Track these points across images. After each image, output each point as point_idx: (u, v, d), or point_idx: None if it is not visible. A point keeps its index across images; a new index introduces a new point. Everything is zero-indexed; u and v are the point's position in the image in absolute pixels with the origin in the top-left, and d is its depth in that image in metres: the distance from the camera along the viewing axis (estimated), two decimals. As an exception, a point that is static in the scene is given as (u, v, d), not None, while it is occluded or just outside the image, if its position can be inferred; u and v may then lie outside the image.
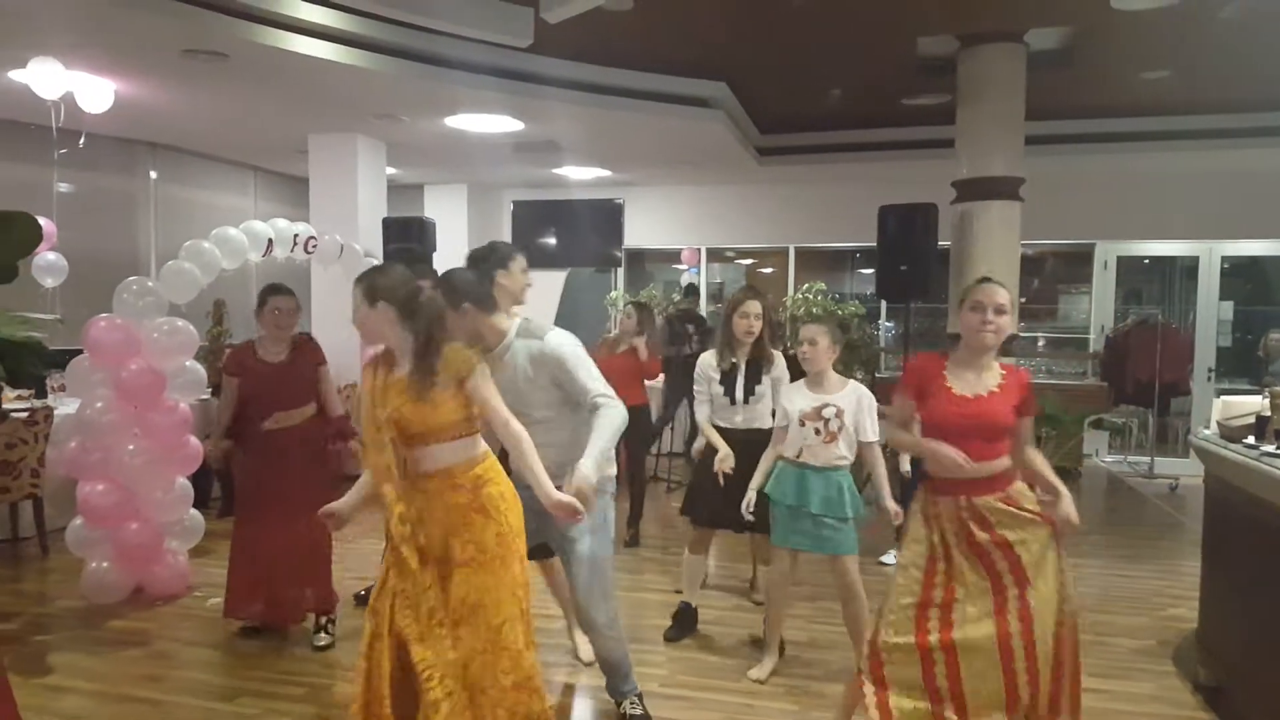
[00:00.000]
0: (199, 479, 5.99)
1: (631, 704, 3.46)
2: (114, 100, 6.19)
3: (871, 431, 3.73)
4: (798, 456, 3.71)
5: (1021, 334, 7.26)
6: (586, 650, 3.93)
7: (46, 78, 5.51)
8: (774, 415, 4.03)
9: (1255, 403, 3.80)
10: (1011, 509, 2.84)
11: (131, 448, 4.67)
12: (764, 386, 4.20)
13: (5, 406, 5.44)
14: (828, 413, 3.64)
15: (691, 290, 9.79)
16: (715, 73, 7.10)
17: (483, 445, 2.84)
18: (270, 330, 4.26)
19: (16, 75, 5.87)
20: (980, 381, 2.89)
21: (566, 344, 3.13)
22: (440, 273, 3.25)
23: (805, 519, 3.70)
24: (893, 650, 2.86)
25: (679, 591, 4.61)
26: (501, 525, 2.74)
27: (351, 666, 3.95)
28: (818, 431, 3.66)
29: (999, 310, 2.85)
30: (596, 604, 3.24)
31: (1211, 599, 3.95)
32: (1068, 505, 2.81)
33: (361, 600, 4.68)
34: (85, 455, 4.70)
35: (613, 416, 2.99)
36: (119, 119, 6.95)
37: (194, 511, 5.06)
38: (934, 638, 2.83)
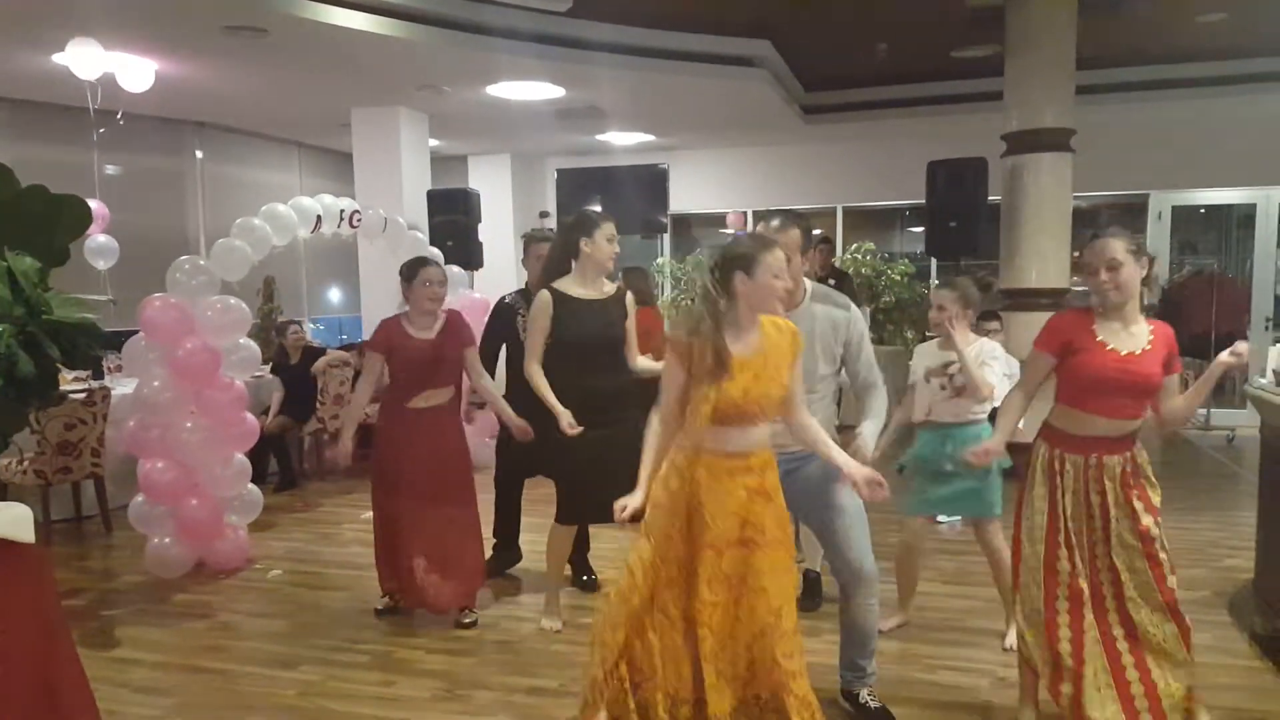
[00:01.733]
0: (257, 455, 6.13)
1: (870, 693, 3.19)
2: (155, 80, 6.26)
3: (991, 378, 3.67)
4: (928, 416, 3.77)
5: (1075, 287, 7.09)
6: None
7: (86, 59, 5.57)
8: None
9: (1313, 350, 3.69)
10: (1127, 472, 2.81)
11: (189, 425, 4.76)
12: None
13: (63, 389, 5.57)
14: (953, 369, 3.68)
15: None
16: (759, 31, 6.98)
17: None
18: (424, 304, 4.04)
19: (58, 58, 5.94)
20: (1131, 338, 2.78)
21: None
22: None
23: (942, 480, 3.70)
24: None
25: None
26: (780, 509, 2.73)
27: (416, 633, 4.07)
28: (943, 387, 3.71)
29: (1110, 266, 2.73)
30: (869, 554, 3.07)
31: (1268, 549, 3.90)
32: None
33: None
34: (144, 433, 4.80)
35: None
36: (162, 98, 7.03)
37: (252, 486, 5.15)
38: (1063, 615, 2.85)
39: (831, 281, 7.10)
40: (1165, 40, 7.18)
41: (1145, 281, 2.79)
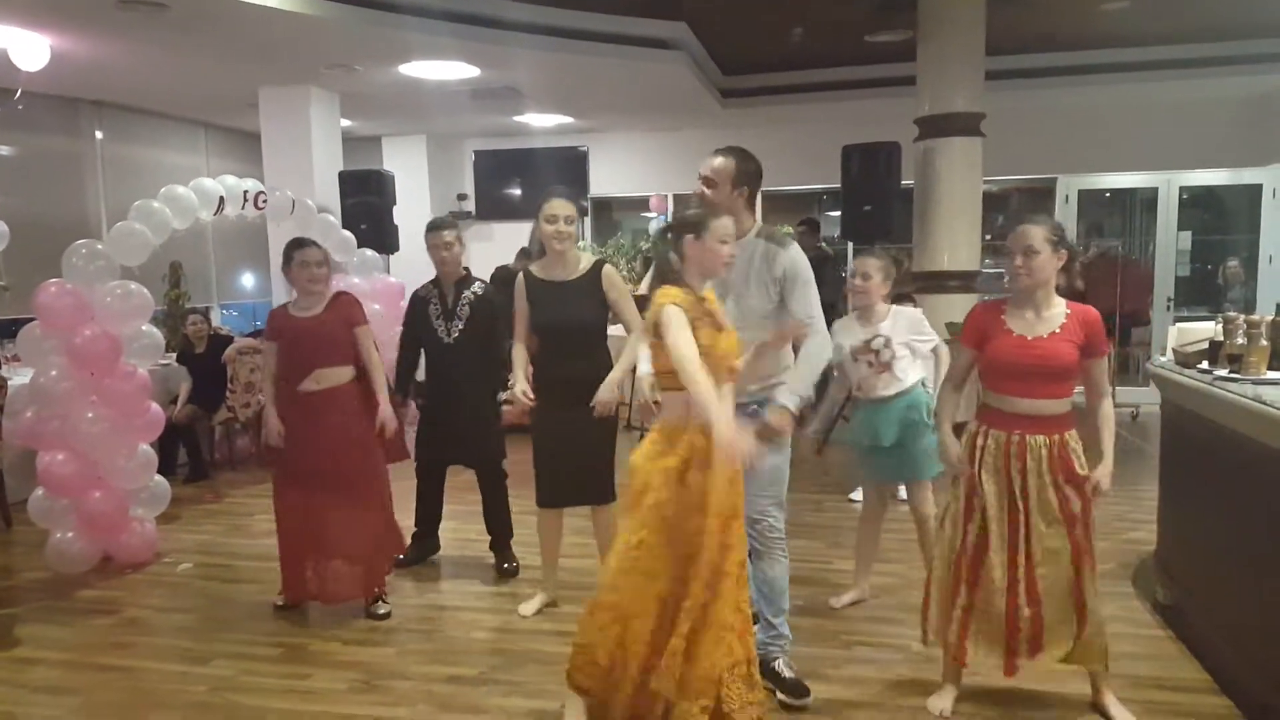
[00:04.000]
0: (165, 445, 5.94)
1: (786, 662, 3.22)
2: (51, 56, 5.99)
3: (927, 342, 3.87)
4: (857, 393, 3.85)
5: (986, 269, 7.29)
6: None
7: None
8: None
9: (1209, 329, 3.85)
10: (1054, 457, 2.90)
11: (90, 415, 4.57)
12: None
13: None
14: (876, 344, 3.74)
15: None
16: (676, 13, 6.97)
17: None
18: (304, 285, 3.98)
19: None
20: (1042, 322, 2.92)
21: None
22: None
23: (882, 453, 3.81)
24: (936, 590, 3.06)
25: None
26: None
27: (330, 625, 3.99)
28: (870, 365, 3.77)
29: (1026, 252, 2.87)
30: (770, 512, 3.16)
31: (1168, 521, 4.05)
32: (1104, 471, 2.91)
33: (400, 563, 4.48)
34: (42, 425, 4.61)
35: None
36: (58, 76, 6.73)
37: (159, 478, 4.99)
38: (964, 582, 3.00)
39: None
40: (1071, 27, 7.39)
41: (1065, 270, 2.92)
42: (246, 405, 6.68)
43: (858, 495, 5.84)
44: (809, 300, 3.11)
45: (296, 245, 4.04)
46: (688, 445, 2.69)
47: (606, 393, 3.72)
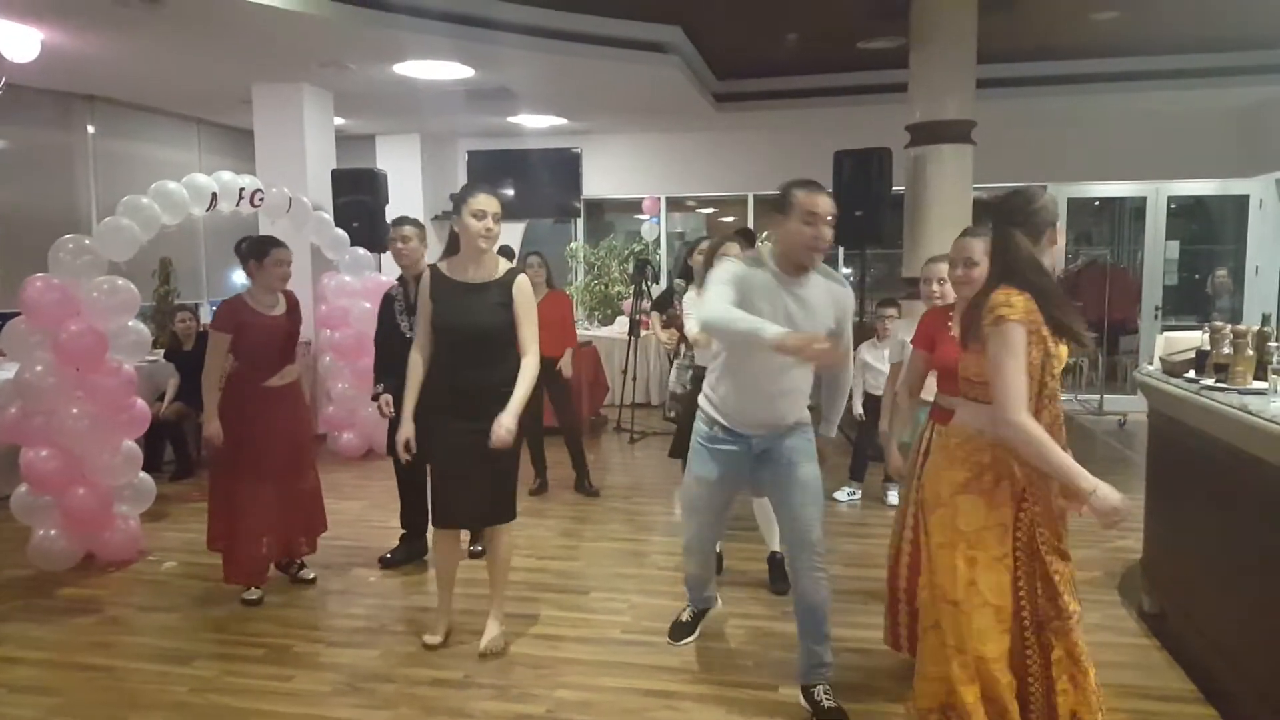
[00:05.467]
0: (152, 442, 5.91)
1: (826, 690, 3.13)
2: (42, 50, 5.95)
3: None
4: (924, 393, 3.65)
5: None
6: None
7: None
8: None
9: (1196, 338, 3.85)
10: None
11: (75, 411, 4.54)
12: None
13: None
14: None
15: None
16: (671, 17, 6.96)
17: None
18: (273, 283, 4.19)
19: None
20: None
21: None
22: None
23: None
24: None
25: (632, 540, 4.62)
26: None
27: (313, 626, 3.98)
28: None
29: (966, 264, 3.07)
30: (817, 527, 3.09)
31: (1154, 530, 4.05)
32: None
33: (387, 563, 4.66)
34: (26, 420, 4.57)
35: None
36: (50, 70, 6.69)
37: (144, 475, 4.95)
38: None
39: None
40: (1062, 36, 7.41)
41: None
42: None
43: (843, 495, 5.88)
44: (849, 333, 3.22)
45: (272, 243, 4.19)
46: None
47: (505, 432, 3.33)
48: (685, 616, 3.79)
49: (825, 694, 3.11)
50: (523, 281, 3.51)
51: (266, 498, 4.16)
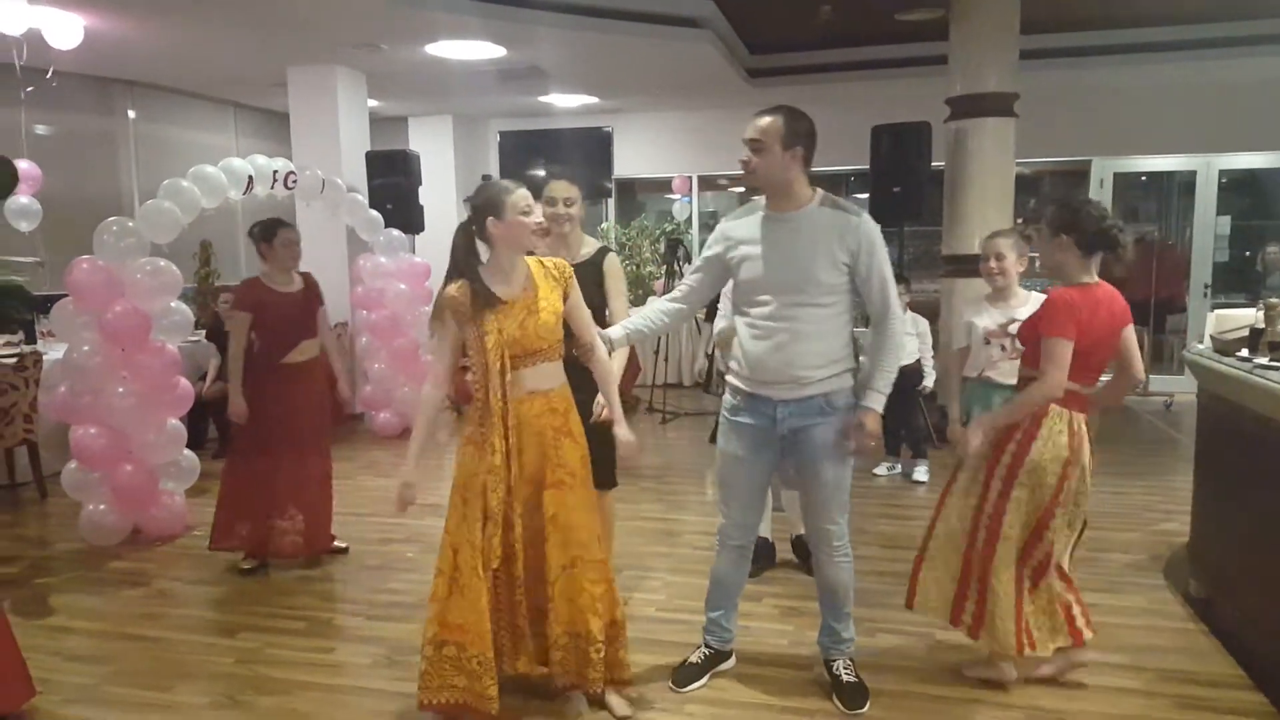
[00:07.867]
0: (194, 420, 6.00)
1: (846, 665, 3.13)
2: (85, 37, 6.02)
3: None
4: (979, 375, 3.66)
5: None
6: None
7: (9, 13, 5.33)
8: None
9: (1249, 315, 3.74)
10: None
11: (121, 390, 4.64)
12: None
13: (-7, 353, 5.41)
14: (1014, 329, 3.47)
15: None
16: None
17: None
18: (285, 262, 4.31)
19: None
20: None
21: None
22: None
23: None
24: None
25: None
26: (584, 449, 2.91)
27: (353, 600, 4.04)
28: (1003, 348, 3.61)
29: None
30: (835, 520, 3.00)
31: (1202, 513, 3.97)
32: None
33: None
34: (75, 399, 4.67)
35: None
36: (92, 57, 6.78)
37: (188, 452, 5.05)
38: None
39: None
40: (1108, 5, 7.24)
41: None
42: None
43: (881, 470, 5.85)
44: (886, 278, 2.83)
45: (279, 224, 4.31)
46: None
47: (609, 413, 3.06)
48: (696, 658, 3.28)
49: (845, 669, 3.12)
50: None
51: (284, 474, 4.27)
